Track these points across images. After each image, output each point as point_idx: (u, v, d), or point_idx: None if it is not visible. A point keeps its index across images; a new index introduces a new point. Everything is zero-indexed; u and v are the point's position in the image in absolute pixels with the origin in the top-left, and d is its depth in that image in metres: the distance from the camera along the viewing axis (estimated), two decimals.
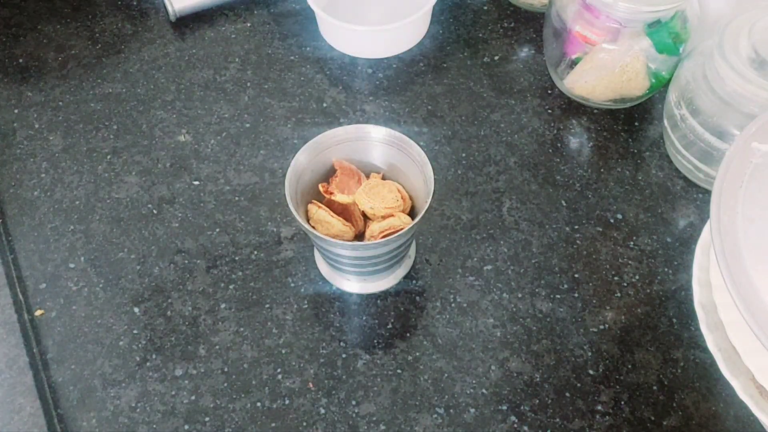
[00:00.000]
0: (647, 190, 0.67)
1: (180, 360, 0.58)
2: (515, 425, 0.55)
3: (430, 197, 0.54)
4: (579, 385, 0.57)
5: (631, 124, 0.72)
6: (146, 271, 0.63)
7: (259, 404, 0.56)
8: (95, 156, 0.69)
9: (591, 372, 0.58)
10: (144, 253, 0.64)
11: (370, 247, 0.54)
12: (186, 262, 0.63)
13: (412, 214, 0.58)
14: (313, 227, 0.55)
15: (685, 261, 0.62)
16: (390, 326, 0.60)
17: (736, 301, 0.42)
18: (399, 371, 0.58)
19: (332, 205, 0.57)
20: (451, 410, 0.56)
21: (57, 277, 0.62)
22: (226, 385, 0.57)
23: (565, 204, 0.66)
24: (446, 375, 0.57)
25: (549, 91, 0.74)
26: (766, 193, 0.46)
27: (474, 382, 0.57)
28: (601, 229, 0.65)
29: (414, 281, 0.62)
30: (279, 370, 0.58)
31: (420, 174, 0.56)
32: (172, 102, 0.73)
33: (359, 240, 0.58)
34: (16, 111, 0.73)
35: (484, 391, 0.57)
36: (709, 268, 0.52)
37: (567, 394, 0.57)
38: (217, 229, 0.65)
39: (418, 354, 0.58)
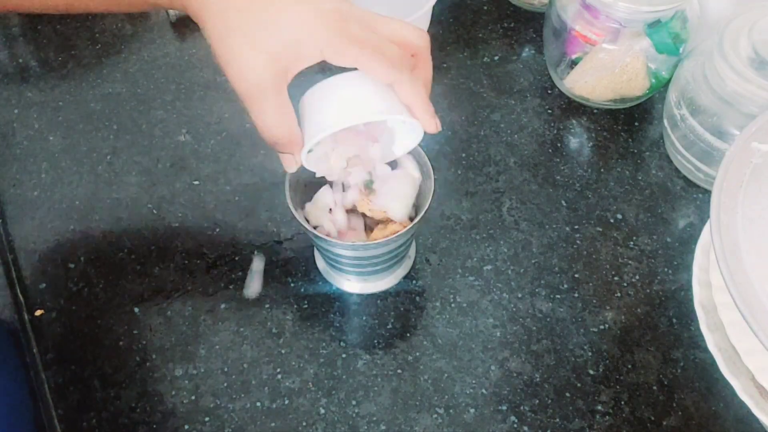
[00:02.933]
0: (647, 190, 0.67)
1: (180, 360, 0.58)
2: (515, 425, 0.55)
3: (430, 197, 0.54)
4: (579, 385, 0.57)
5: (631, 124, 0.72)
6: (146, 271, 0.63)
7: (259, 404, 0.56)
8: (95, 156, 0.69)
9: (591, 372, 0.58)
10: (144, 253, 0.64)
11: (370, 247, 0.54)
12: (186, 262, 0.63)
13: None
14: (315, 227, 0.55)
15: (685, 261, 0.62)
16: (390, 326, 0.60)
17: (736, 301, 0.42)
18: (399, 371, 0.58)
19: None
20: (451, 410, 0.56)
21: (57, 277, 0.62)
22: (226, 385, 0.57)
23: (565, 204, 0.66)
24: (446, 375, 0.57)
25: (549, 91, 0.74)
26: (766, 193, 0.46)
27: (474, 382, 0.57)
28: (601, 229, 0.65)
29: (414, 281, 0.62)
30: (279, 370, 0.58)
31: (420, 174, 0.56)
32: (172, 102, 0.73)
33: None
34: (16, 111, 0.73)
35: (484, 391, 0.57)
36: (709, 268, 0.52)
37: (567, 394, 0.57)
38: (217, 229, 0.65)
39: (418, 354, 0.58)
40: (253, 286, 0.61)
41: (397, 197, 0.55)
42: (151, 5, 0.51)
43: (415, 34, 0.49)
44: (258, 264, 0.62)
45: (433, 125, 0.49)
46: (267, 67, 0.45)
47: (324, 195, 0.55)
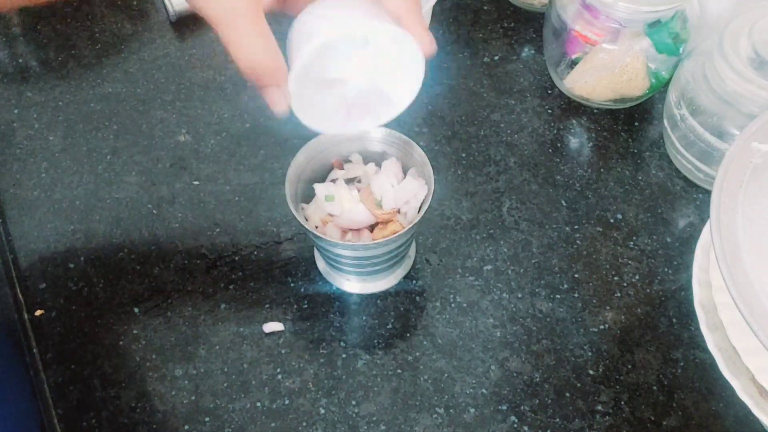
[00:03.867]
0: (647, 190, 0.67)
1: (180, 360, 0.58)
2: (515, 425, 0.55)
3: (430, 197, 0.54)
4: (579, 385, 0.57)
5: (631, 124, 0.72)
6: (146, 271, 0.63)
7: (259, 404, 0.56)
8: (95, 156, 0.69)
9: (591, 372, 0.58)
10: (144, 253, 0.64)
11: (369, 248, 0.54)
12: (186, 262, 0.63)
13: None
14: (316, 227, 0.55)
15: (685, 261, 0.62)
16: (390, 326, 0.60)
17: (736, 301, 0.42)
18: (399, 371, 0.58)
19: None
20: (451, 410, 0.56)
21: (57, 277, 0.62)
22: (226, 385, 0.57)
23: (565, 204, 0.66)
24: (446, 375, 0.57)
25: (549, 91, 0.74)
26: (766, 193, 0.46)
27: (474, 382, 0.57)
28: (601, 229, 0.65)
29: (414, 281, 0.62)
30: (279, 370, 0.58)
31: (420, 174, 0.56)
32: (172, 102, 0.73)
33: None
34: (16, 111, 0.73)
35: (484, 391, 0.57)
36: (709, 268, 0.52)
37: (567, 394, 0.57)
38: (217, 229, 0.65)
39: (418, 354, 0.58)
40: None
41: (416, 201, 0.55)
42: None
43: None
44: None
45: (427, 39, 0.44)
46: None
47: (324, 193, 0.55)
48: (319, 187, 0.56)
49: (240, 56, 0.42)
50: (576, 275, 0.62)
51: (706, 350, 0.51)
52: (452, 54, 0.77)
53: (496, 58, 0.76)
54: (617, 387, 0.57)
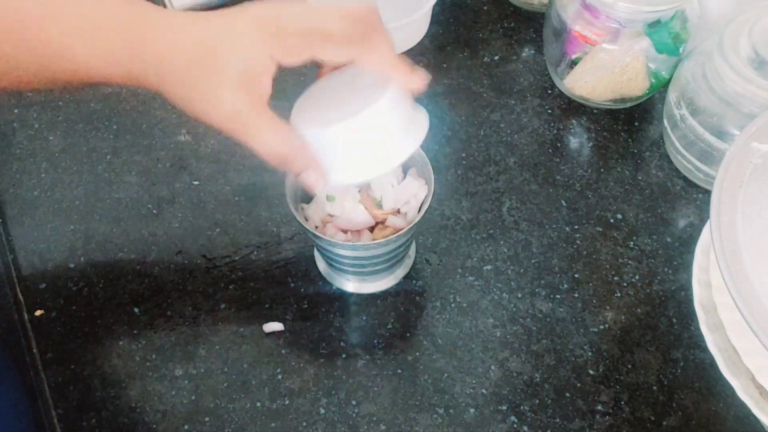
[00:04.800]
0: (647, 190, 0.67)
1: (180, 360, 0.58)
2: (515, 425, 0.55)
3: (430, 197, 0.54)
4: (579, 385, 0.57)
5: (631, 124, 0.72)
6: (146, 271, 0.63)
7: (259, 404, 0.56)
8: (95, 156, 0.69)
9: (591, 372, 0.58)
10: (144, 253, 0.64)
11: (369, 248, 0.54)
12: (186, 262, 0.63)
13: None
14: (316, 227, 0.55)
15: (685, 261, 0.62)
16: (390, 326, 0.60)
17: (736, 301, 0.42)
18: (399, 371, 0.58)
19: None
20: (451, 410, 0.56)
21: (57, 277, 0.62)
22: (226, 385, 0.57)
23: (565, 204, 0.66)
24: (446, 375, 0.57)
25: (549, 91, 0.74)
26: (766, 193, 0.46)
27: (474, 382, 0.57)
28: (601, 229, 0.65)
29: (414, 281, 0.62)
30: (279, 370, 0.58)
31: (420, 174, 0.56)
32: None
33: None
34: (16, 111, 0.73)
35: (484, 391, 0.57)
36: (709, 268, 0.52)
37: (567, 394, 0.57)
38: (217, 229, 0.65)
39: (418, 354, 0.58)
40: None
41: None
42: (96, 81, 0.46)
43: (355, 9, 0.45)
44: None
45: (417, 78, 0.46)
46: (235, 94, 0.43)
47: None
48: None
49: (264, 150, 0.45)
50: (576, 275, 0.62)
51: (706, 350, 0.51)
52: (452, 54, 0.77)
53: (496, 58, 0.76)
54: (617, 387, 0.57)
